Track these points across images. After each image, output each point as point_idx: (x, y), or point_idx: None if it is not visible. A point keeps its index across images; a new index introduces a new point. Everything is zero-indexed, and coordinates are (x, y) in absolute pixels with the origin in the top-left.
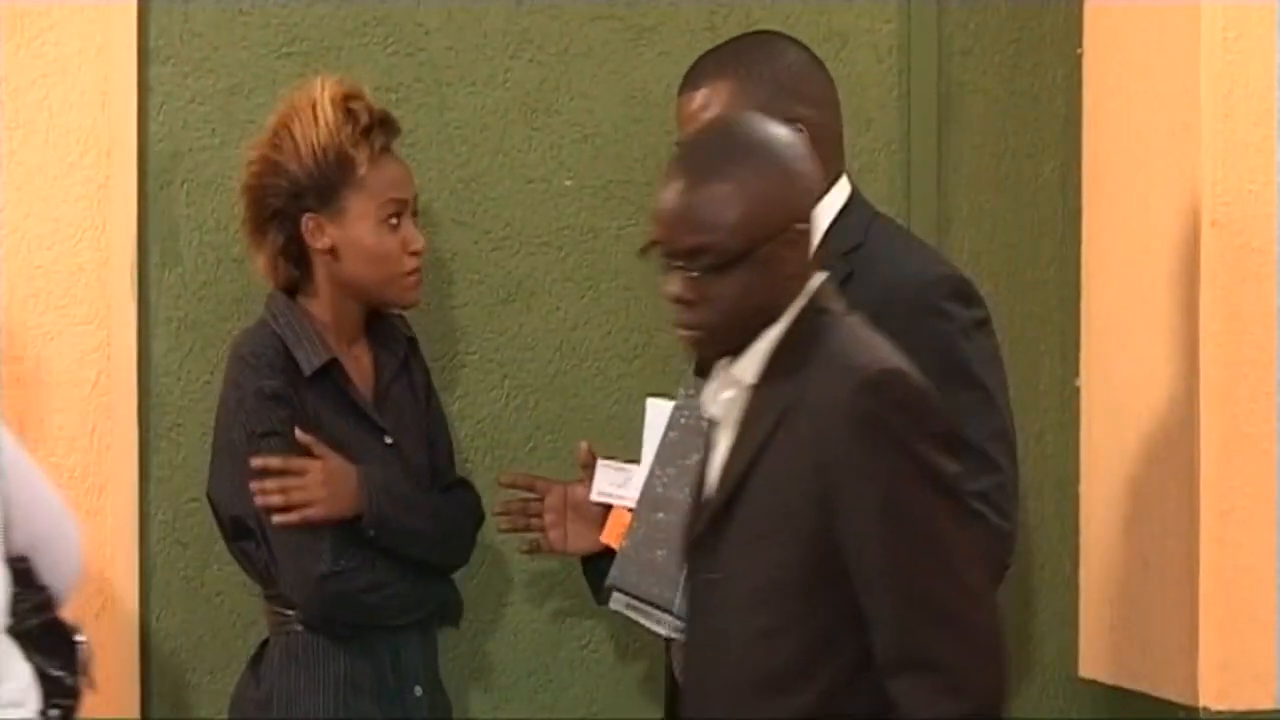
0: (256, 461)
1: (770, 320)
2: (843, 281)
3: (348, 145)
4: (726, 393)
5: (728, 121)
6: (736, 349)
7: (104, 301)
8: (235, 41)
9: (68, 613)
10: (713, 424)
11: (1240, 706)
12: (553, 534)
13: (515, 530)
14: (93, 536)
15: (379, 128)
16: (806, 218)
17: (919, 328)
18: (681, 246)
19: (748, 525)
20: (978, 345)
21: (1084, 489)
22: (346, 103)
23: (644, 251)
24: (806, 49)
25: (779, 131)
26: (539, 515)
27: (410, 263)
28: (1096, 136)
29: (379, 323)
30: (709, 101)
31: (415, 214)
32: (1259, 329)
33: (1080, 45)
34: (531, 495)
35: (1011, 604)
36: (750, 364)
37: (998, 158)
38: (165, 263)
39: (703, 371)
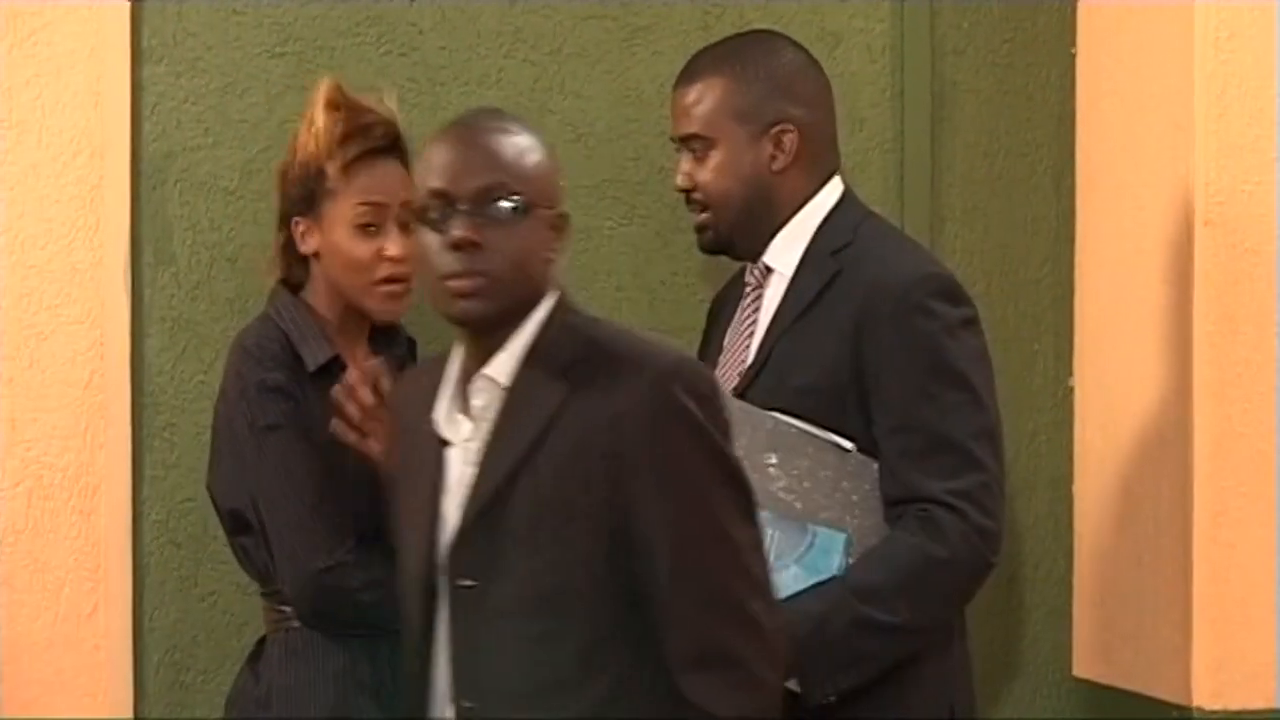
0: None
1: (527, 307)
2: (831, 279)
3: (323, 155)
4: (477, 400)
5: (498, 108)
6: (499, 324)
7: (97, 301)
8: (228, 41)
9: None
10: (444, 442)
11: (1234, 706)
12: None
13: None
14: (86, 536)
15: (358, 135)
16: (564, 211)
17: (905, 326)
18: (472, 187)
19: (519, 528)
20: (964, 343)
21: (1078, 488)
22: (329, 108)
23: (416, 215)
24: (803, 49)
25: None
26: None
27: (383, 270)
28: (1090, 136)
29: (382, 326)
30: (702, 97)
31: (407, 223)
32: (1252, 329)
33: (1074, 45)
34: None
35: (1004, 603)
36: (505, 364)
37: (991, 157)
38: (159, 262)
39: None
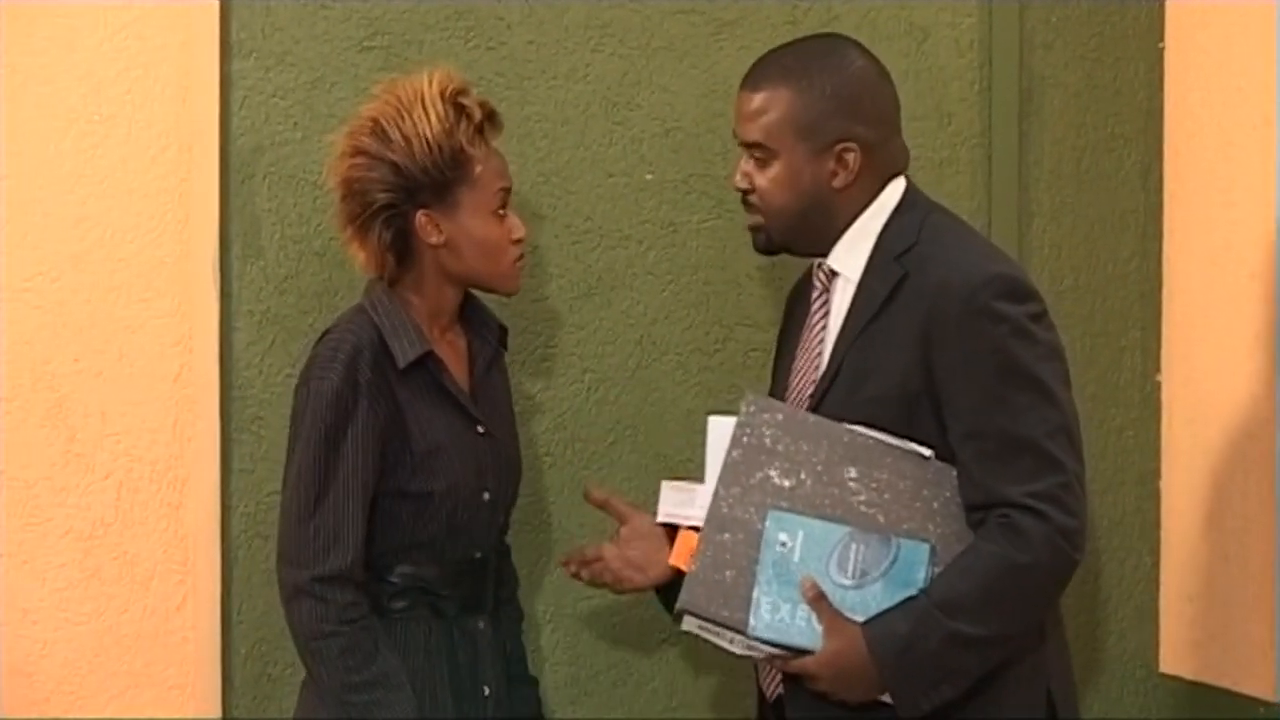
0: None
1: None
2: (897, 284)
3: (464, 142)
4: None
5: None
6: None
7: (186, 295)
8: (317, 36)
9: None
10: None
11: None
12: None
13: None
14: (175, 529)
15: (489, 123)
16: None
17: (971, 331)
18: None
19: None
20: (1033, 341)
21: (1165, 484)
22: (458, 98)
23: None
24: (871, 57)
25: None
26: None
27: (515, 251)
28: (1178, 131)
29: (472, 310)
30: (766, 107)
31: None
32: None
33: (1162, 39)
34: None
35: (1091, 599)
36: None
37: (1079, 152)
38: (247, 256)
39: None
